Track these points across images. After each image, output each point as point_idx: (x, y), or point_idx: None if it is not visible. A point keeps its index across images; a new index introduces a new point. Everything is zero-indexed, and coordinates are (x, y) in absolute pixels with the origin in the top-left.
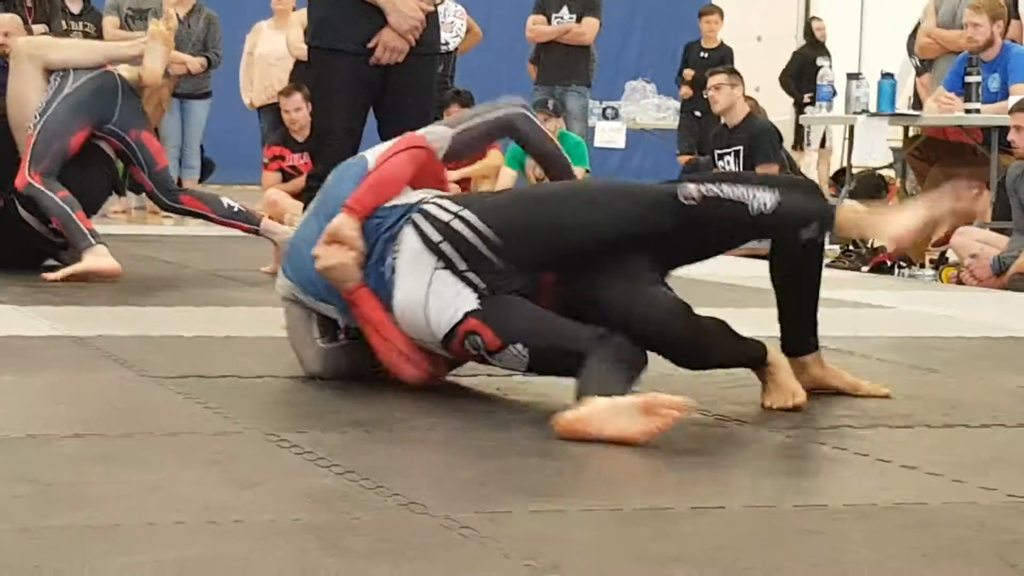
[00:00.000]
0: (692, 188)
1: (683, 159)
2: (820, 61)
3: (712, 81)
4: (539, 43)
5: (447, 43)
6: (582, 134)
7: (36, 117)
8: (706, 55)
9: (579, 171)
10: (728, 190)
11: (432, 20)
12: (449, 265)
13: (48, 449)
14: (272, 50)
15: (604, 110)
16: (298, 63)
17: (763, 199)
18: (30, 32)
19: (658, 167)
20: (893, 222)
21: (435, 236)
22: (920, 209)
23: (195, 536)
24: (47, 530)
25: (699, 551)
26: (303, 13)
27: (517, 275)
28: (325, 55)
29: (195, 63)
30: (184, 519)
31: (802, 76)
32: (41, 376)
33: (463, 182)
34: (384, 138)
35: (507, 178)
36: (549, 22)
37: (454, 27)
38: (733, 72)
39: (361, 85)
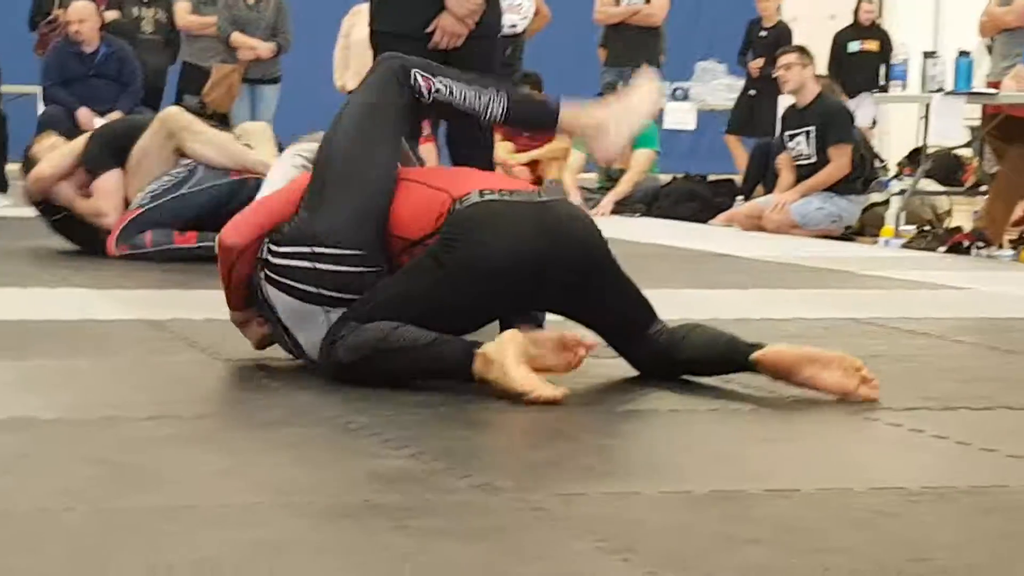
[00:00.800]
0: (423, 85)
1: (729, 138)
2: (851, 46)
3: (782, 60)
4: (608, 25)
5: (515, 25)
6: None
7: (146, 197)
8: (765, 34)
9: (649, 153)
10: (460, 97)
11: (492, 2)
12: (339, 303)
13: (123, 431)
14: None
15: (674, 91)
16: None
17: (495, 110)
18: (102, 20)
19: (728, 149)
20: (604, 144)
21: (307, 288)
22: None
23: (268, 517)
24: (122, 511)
25: (773, 533)
26: None
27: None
28: (385, 39)
29: (265, 48)
30: (257, 500)
31: (840, 63)
32: (116, 359)
33: (532, 164)
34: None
35: (577, 160)
36: (618, 3)
37: (522, 9)
38: (803, 51)
39: None
